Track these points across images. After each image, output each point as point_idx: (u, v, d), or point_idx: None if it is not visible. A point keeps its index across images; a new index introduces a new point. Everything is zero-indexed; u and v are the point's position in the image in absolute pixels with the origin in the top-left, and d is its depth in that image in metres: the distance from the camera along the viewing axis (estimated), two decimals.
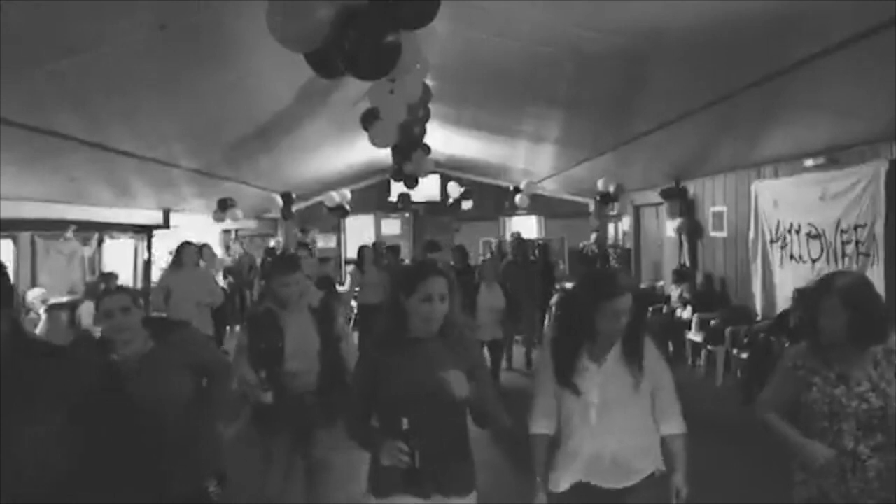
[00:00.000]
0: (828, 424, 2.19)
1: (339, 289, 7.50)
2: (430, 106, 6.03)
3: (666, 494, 2.34)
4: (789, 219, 6.39)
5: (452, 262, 7.53)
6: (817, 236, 5.96)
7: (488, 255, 9.59)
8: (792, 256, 6.40)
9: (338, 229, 13.89)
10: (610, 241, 12.33)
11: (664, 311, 8.41)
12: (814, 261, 5.99)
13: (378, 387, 2.18)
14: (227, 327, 9.30)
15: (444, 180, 13.11)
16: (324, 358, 3.31)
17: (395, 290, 2.23)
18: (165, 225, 9.17)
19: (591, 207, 11.61)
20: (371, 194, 13.49)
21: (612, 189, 9.98)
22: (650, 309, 8.38)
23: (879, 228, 5.10)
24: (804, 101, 4.64)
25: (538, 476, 2.35)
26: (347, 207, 12.21)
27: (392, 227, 13.96)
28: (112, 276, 7.34)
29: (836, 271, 2.46)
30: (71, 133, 4.62)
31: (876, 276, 5.10)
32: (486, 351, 6.40)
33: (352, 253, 13.43)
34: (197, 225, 9.96)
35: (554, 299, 9.35)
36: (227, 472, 3.74)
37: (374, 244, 8.97)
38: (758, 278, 6.97)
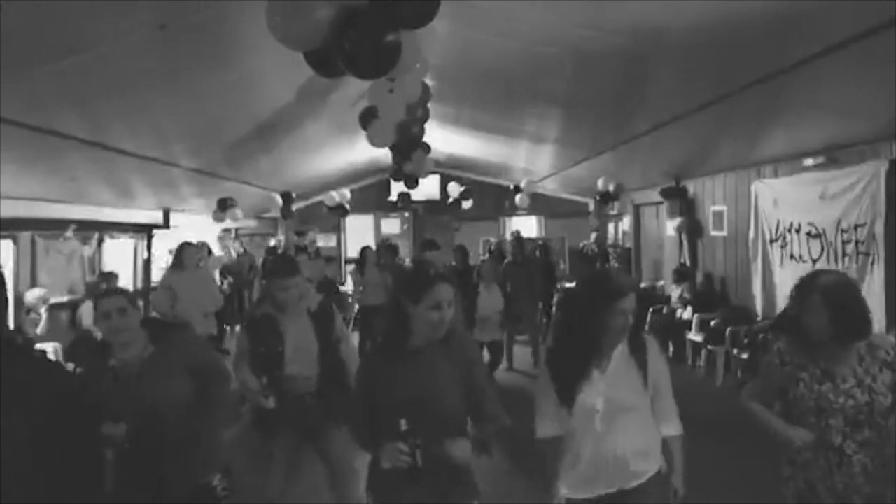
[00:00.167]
0: (815, 420, 2.24)
1: (343, 289, 7.45)
2: (431, 105, 6.03)
3: (668, 493, 2.35)
4: (789, 218, 6.39)
5: (454, 263, 7.52)
6: (817, 236, 5.96)
7: (486, 256, 9.58)
8: (792, 256, 6.40)
9: (338, 229, 13.89)
10: (610, 241, 12.33)
11: (664, 311, 8.41)
12: (814, 260, 5.99)
13: (378, 396, 2.18)
14: (227, 327, 9.31)
15: (444, 180, 13.10)
16: (323, 361, 3.29)
17: (398, 298, 2.20)
18: (165, 225, 9.18)
19: (591, 207, 11.61)
20: (371, 194, 13.48)
21: (612, 188, 9.98)
22: (650, 309, 8.38)
23: (879, 228, 5.10)
24: (804, 100, 4.64)
25: (552, 478, 2.34)
26: (347, 207, 12.22)
27: (392, 226, 13.96)
28: (112, 276, 7.35)
29: (818, 270, 2.49)
30: (71, 133, 4.62)
31: (876, 275, 5.11)
32: (485, 352, 6.42)
33: (352, 252, 13.46)
34: (197, 225, 9.97)
35: (555, 299, 9.38)
36: (231, 469, 3.74)
37: (385, 243, 8.72)
38: (758, 278, 6.97)
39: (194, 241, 7.18)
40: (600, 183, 9.94)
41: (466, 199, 12.64)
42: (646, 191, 9.90)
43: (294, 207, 11.71)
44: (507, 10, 3.94)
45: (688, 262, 8.67)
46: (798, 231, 6.26)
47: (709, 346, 7.16)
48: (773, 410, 2.42)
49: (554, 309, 9.10)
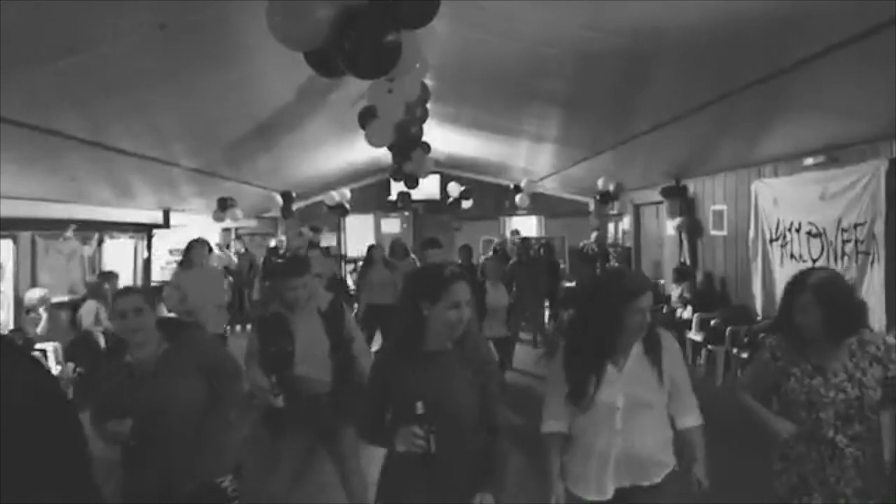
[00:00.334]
0: (805, 413, 2.28)
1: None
2: (431, 105, 6.02)
3: (684, 487, 2.36)
4: (789, 217, 6.38)
5: (460, 261, 7.52)
6: (818, 235, 5.95)
7: (490, 254, 9.60)
8: (792, 255, 6.40)
9: (338, 228, 13.90)
10: (610, 240, 12.33)
11: (664, 310, 8.41)
12: (814, 260, 5.98)
13: (392, 393, 2.17)
14: (228, 327, 9.30)
15: (444, 179, 13.10)
16: (335, 360, 3.28)
17: (414, 298, 2.14)
18: (165, 224, 9.18)
19: (592, 206, 11.60)
20: (371, 193, 13.49)
21: (612, 188, 9.98)
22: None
23: (879, 227, 5.09)
24: (804, 100, 4.64)
25: (552, 475, 2.34)
26: (347, 206, 12.22)
27: (392, 226, 13.95)
28: (112, 276, 7.35)
29: (809, 268, 2.51)
30: (71, 132, 4.62)
31: (876, 274, 5.11)
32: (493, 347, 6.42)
33: (352, 252, 13.48)
34: (197, 224, 9.97)
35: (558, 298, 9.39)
36: (241, 470, 3.75)
37: (398, 242, 8.44)
38: (758, 277, 6.97)
39: (203, 238, 7.14)
40: (600, 183, 9.94)
41: (466, 198, 12.65)
42: (646, 190, 9.90)
43: (294, 207, 11.72)
44: (508, 11, 3.94)
45: (688, 262, 8.67)
46: (798, 230, 6.26)
47: (709, 346, 7.16)
48: (770, 408, 2.47)
49: (558, 307, 9.13)
